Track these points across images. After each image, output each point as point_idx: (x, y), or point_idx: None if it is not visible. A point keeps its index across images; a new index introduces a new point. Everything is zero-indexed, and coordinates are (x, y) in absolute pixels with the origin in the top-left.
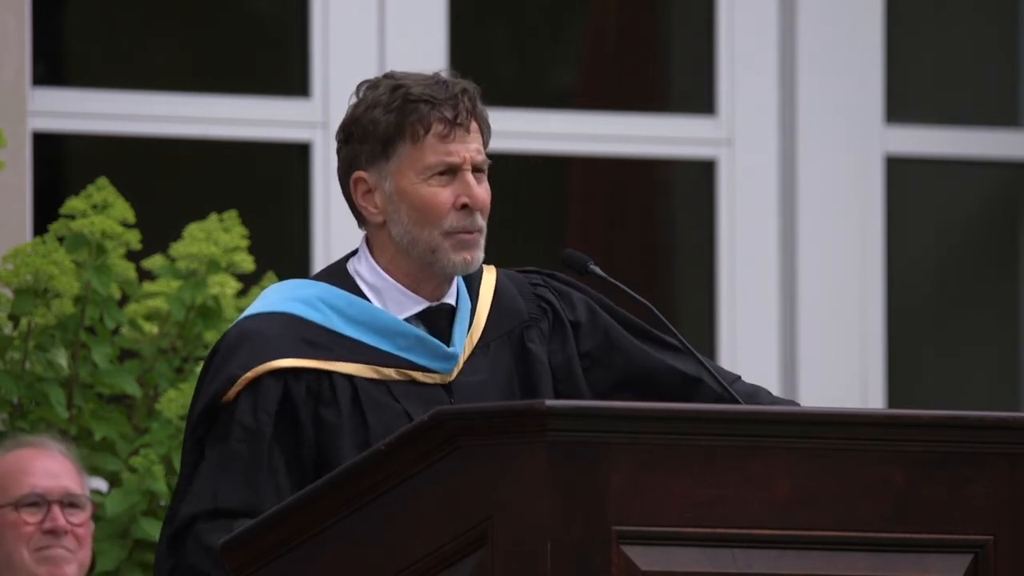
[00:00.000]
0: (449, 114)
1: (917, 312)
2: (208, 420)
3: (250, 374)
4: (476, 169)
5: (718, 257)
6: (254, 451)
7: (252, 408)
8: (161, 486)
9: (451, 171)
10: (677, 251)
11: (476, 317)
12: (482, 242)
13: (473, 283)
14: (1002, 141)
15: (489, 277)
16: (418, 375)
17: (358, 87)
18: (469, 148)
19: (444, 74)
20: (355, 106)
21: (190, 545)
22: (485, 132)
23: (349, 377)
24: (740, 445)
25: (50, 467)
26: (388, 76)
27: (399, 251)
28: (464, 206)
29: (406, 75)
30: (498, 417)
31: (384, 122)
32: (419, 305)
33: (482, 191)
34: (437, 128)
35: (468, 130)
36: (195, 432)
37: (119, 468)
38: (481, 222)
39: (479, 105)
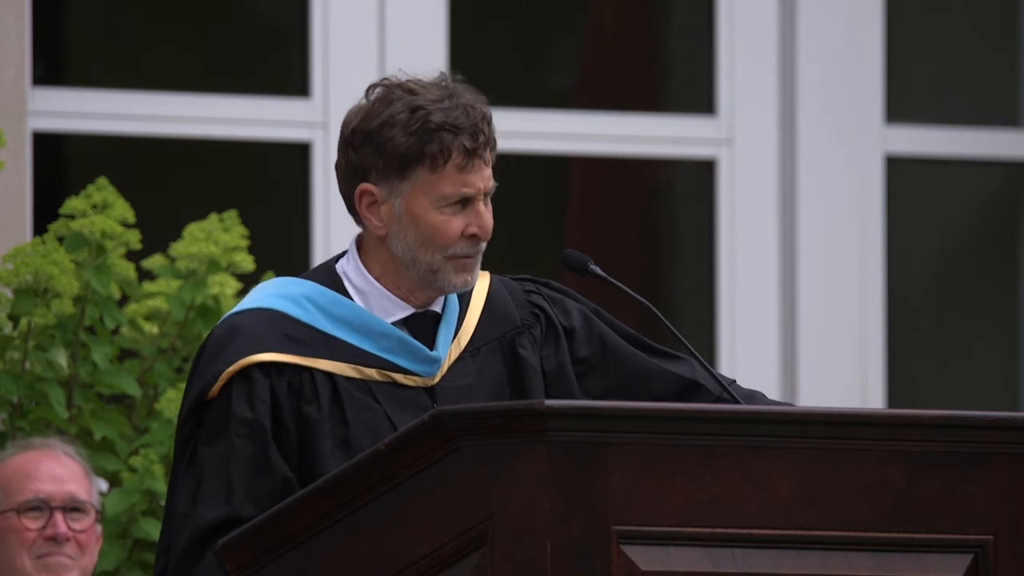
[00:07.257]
0: (469, 144)
1: (917, 312)
2: (198, 414)
3: (232, 368)
4: (486, 196)
5: (718, 257)
6: (256, 443)
7: (247, 398)
8: (161, 486)
9: (464, 200)
10: (677, 251)
11: (466, 322)
12: (480, 260)
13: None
14: (1002, 141)
15: (482, 283)
16: (399, 377)
17: (368, 90)
18: (484, 177)
19: (454, 86)
20: (368, 115)
21: (208, 559)
22: (494, 152)
23: (329, 375)
24: (740, 445)
25: (55, 471)
26: (402, 87)
27: (397, 265)
28: (473, 235)
29: (420, 87)
30: (498, 417)
31: (403, 144)
32: (404, 311)
33: (489, 217)
34: (457, 159)
35: (485, 160)
36: (186, 426)
37: (119, 468)
38: (484, 246)
39: (492, 126)
